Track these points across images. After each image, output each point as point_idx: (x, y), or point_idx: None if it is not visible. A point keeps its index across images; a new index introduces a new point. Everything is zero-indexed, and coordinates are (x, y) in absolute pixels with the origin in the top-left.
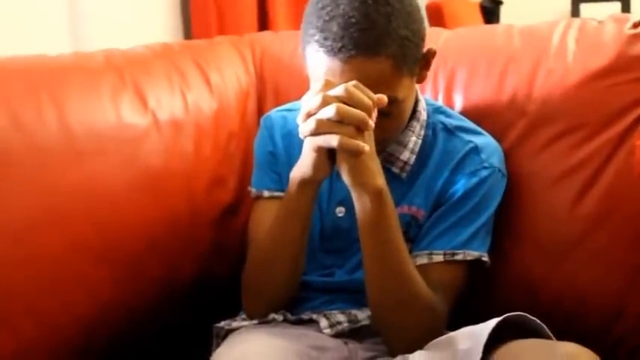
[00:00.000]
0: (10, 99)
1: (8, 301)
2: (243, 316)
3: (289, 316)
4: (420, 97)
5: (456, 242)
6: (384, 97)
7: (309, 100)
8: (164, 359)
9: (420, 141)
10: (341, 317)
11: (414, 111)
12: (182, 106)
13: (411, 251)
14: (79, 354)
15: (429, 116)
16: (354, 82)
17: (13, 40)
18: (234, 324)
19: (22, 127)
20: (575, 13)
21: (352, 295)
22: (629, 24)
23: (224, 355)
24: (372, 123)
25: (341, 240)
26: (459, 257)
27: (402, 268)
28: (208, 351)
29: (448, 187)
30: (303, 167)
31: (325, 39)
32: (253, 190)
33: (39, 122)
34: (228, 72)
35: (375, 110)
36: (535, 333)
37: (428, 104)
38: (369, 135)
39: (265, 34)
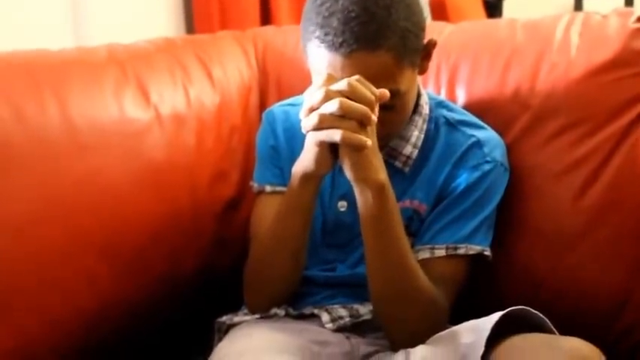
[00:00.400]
0: (13, 93)
1: (9, 296)
2: (245, 310)
3: (291, 311)
4: (423, 91)
5: (458, 236)
6: (386, 92)
7: (312, 95)
8: (166, 354)
9: (422, 135)
10: (343, 312)
11: (417, 105)
12: (184, 101)
13: (413, 246)
14: (81, 349)
15: (431, 110)
16: (356, 76)
17: (15, 34)
18: (236, 319)
19: (25, 121)
20: (578, 6)
21: (354, 289)
22: (633, 18)
23: (226, 349)
24: (374, 117)
25: (343, 234)
26: (461, 251)
27: (404, 262)
28: (210, 346)
29: (450, 181)
30: (305, 162)
31: (326, 35)
32: (255, 185)
33: (42, 116)
34: (230, 66)
35: (378, 105)
36: (538, 327)
37: (430, 98)
38: (372, 130)
39: (268, 28)
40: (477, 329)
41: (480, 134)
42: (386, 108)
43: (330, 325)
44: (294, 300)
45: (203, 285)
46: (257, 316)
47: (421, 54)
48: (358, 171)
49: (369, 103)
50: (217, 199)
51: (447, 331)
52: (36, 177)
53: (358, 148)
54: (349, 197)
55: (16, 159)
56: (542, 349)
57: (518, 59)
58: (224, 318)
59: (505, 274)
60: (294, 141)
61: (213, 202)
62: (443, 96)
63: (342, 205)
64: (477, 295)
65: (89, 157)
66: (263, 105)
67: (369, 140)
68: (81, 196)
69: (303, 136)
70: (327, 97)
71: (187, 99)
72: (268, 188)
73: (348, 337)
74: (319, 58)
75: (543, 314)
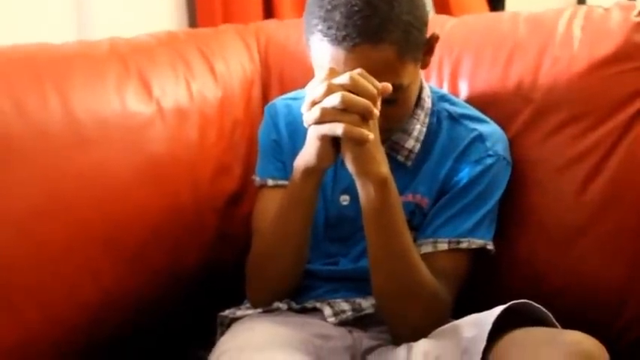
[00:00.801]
0: (15, 87)
1: (11, 291)
2: (248, 304)
3: (293, 305)
4: (425, 84)
5: (460, 230)
6: (388, 86)
7: (314, 89)
8: (168, 348)
9: (424, 129)
10: (345, 306)
11: (419, 99)
12: (187, 95)
13: (415, 240)
14: (83, 343)
15: (433, 104)
16: (358, 70)
17: (18, 28)
18: (239, 313)
19: (27, 115)
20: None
21: (356, 283)
22: (635, 11)
23: (228, 343)
24: (376, 111)
25: (345, 228)
26: (464, 245)
27: (406, 256)
28: (212, 340)
29: (453, 175)
30: (307, 155)
31: (329, 28)
32: (257, 179)
33: (43, 110)
34: (232, 60)
35: (380, 99)
36: (540, 321)
37: (432, 92)
38: (374, 123)
39: (270, 22)
40: (479, 323)
41: (482, 128)
42: (388, 102)
43: (332, 319)
44: (296, 294)
45: (205, 279)
46: (259, 310)
47: (424, 48)
48: (360, 165)
49: (371, 97)
50: (220, 193)
51: (449, 325)
52: (37, 171)
53: (360, 142)
54: (351, 191)
55: (18, 153)
56: (544, 343)
57: (521, 53)
58: (227, 312)
59: (507, 268)
60: (297, 135)
61: (216, 196)
62: (445, 90)
63: (345, 199)
64: (479, 288)
65: (91, 151)
66: (265, 99)
67: (371, 134)
68: (83, 190)
69: (306, 130)
70: (330, 90)
71: (189, 93)
72: (270, 182)
73: (350, 331)
74: (322, 51)
75: (545, 308)
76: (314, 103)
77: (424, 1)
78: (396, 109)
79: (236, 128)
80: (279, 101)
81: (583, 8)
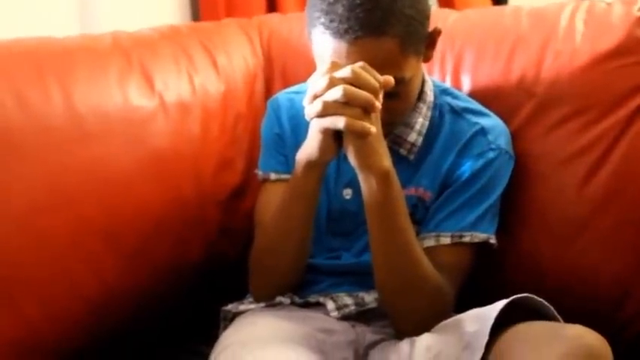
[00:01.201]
0: (17, 81)
1: (13, 285)
2: (251, 299)
3: (296, 299)
4: (427, 78)
5: (463, 224)
6: (390, 79)
7: (316, 82)
8: (171, 342)
9: (426, 122)
10: (348, 300)
11: (421, 92)
12: (189, 89)
13: (418, 234)
14: (85, 338)
15: (435, 98)
16: (360, 63)
17: (20, 22)
18: (242, 307)
19: (29, 109)
20: None
21: (359, 277)
22: (638, 5)
23: (231, 338)
24: (378, 104)
25: (348, 222)
26: (467, 239)
27: (409, 249)
28: (215, 334)
29: (455, 169)
30: (309, 149)
31: (331, 21)
32: (260, 173)
33: (46, 104)
34: (235, 54)
35: (382, 92)
36: (542, 315)
37: (435, 86)
38: (376, 117)
39: (273, 16)
40: (482, 318)
41: (484, 122)
42: (390, 95)
43: (335, 314)
44: (299, 288)
45: (208, 273)
46: (262, 304)
47: (426, 42)
48: (362, 158)
49: (373, 90)
50: (222, 188)
51: (451, 319)
52: (39, 165)
53: (362, 135)
54: (354, 185)
55: (20, 147)
56: (546, 337)
57: (523, 47)
58: (229, 306)
59: (510, 262)
60: (299, 129)
61: (218, 190)
62: (448, 83)
63: (347, 193)
64: (481, 282)
65: (93, 146)
66: (268, 93)
67: (373, 127)
68: (85, 184)
69: (308, 124)
70: (332, 83)
71: (192, 87)
72: (273, 176)
73: (353, 326)
74: (324, 44)
75: (548, 302)
76: (316, 97)
77: None
78: (399, 102)
79: (239, 122)
80: (281, 95)
81: (585, 2)
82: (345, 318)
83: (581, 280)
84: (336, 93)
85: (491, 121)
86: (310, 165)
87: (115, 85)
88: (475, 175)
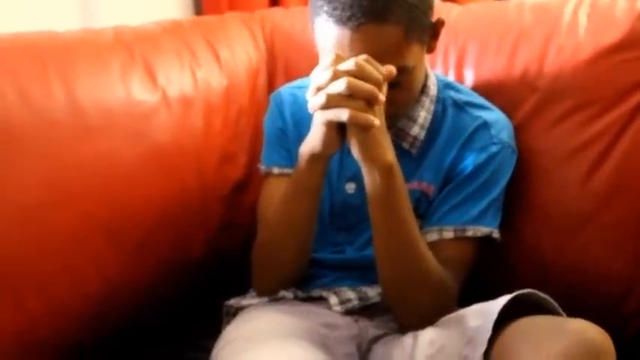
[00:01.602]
0: (19, 75)
1: (15, 280)
2: (253, 293)
3: (299, 294)
4: (430, 72)
5: (466, 218)
6: (392, 69)
7: (319, 75)
8: (174, 336)
9: (429, 116)
10: (351, 294)
11: (424, 86)
12: (192, 83)
13: (421, 227)
14: (87, 333)
15: (438, 91)
16: (364, 55)
17: (22, 16)
18: (244, 302)
19: (31, 103)
20: None
21: (362, 272)
22: None
23: (234, 332)
24: (382, 97)
25: (351, 217)
26: (470, 233)
27: (412, 243)
28: (218, 328)
29: (458, 162)
30: (312, 142)
31: (334, 9)
32: (263, 167)
33: (48, 98)
34: (238, 48)
35: (386, 84)
36: (545, 309)
37: (438, 80)
38: (380, 109)
39: (276, 10)
40: (485, 313)
41: (487, 116)
42: (393, 85)
43: (338, 308)
44: (302, 283)
45: (210, 268)
46: (265, 299)
47: (429, 32)
48: (366, 151)
49: (376, 83)
50: (225, 182)
51: (454, 314)
52: (41, 160)
53: (366, 128)
54: (357, 179)
55: (22, 142)
56: (548, 332)
57: (526, 41)
58: (232, 301)
59: (513, 256)
60: (302, 123)
61: (221, 184)
62: (451, 77)
63: (350, 187)
64: (484, 276)
65: (96, 140)
66: (271, 87)
67: (377, 120)
68: (87, 179)
69: (311, 118)
70: (335, 76)
71: (195, 81)
72: (276, 170)
73: (356, 320)
74: (327, 33)
75: (551, 297)
76: (319, 89)
77: None
78: (402, 93)
79: (241, 117)
80: (284, 89)
81: None
82: (348, 312)
83: (584, 274)
84: (339, 85)
85: (495, 114)
86: (313, 158)
87: (118, 79)
88: (478, 169)
